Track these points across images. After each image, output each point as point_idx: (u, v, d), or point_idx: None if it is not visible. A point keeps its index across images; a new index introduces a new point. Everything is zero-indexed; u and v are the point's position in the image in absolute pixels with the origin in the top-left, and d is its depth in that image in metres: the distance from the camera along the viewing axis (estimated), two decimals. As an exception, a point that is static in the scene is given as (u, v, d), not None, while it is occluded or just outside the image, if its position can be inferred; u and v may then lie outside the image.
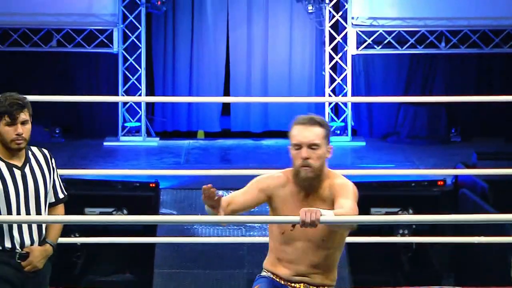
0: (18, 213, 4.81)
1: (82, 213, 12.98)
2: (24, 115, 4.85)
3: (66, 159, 15.00)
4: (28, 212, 4.84)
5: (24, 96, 4.95)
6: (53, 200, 5.01)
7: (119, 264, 13.13)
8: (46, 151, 5.04)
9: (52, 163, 5.02)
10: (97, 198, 13.15)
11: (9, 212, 4.78)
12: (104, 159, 15.67)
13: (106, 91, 16.98)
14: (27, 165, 4.88)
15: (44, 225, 4.93)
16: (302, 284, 4.76)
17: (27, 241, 4.83)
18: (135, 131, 16.97)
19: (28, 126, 4.88)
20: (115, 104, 16.83)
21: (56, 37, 16.66)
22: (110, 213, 13.06)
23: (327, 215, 4.44)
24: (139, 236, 11.05)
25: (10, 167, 4.81)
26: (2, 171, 4.79)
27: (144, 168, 14.57)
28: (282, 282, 4.78)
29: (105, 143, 16.77)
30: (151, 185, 13.15)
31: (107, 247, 12.56)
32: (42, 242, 4.92)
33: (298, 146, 4.65)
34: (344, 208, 4.57)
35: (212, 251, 11.55)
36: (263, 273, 4.88)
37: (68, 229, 12.18)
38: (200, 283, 11.37)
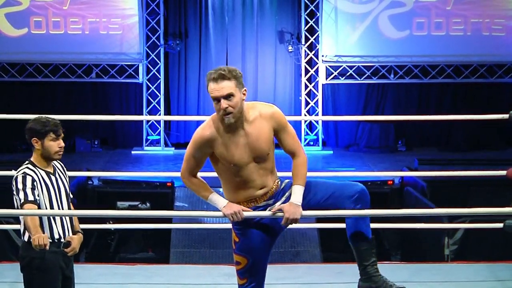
0: (58, 210, 4.74)
1: (115, 206, 12.95)
2: (62, 133, 4.77)
3: (103, 164, 15.00)
4: (63, 209, 4.76)
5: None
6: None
7: (143, 244, 13.08)
8: (61, 162, 4.92)
9: (66, 171, 4.91)
10: (126, 194, 13.13)
11: (52, 209, 4.69)
12: (132, 164, 15.64)
13: (133, 112, 16.97)
14: (56, 172, 4.78)
15: (69, 219, 4.82)
16: (262, 190, 4.36)
17: (66, 232, 4.78)
18: (156, 142, 16.95)
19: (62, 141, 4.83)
20: (141, 121, 16.83)
21: (95, 70, 16.66)
22: (136, 206, 13.02)
23: (300, 197, 4.29)
24: (159, 223, 11.04)
25: (48, 174, 4.71)
26: (44, 178, 4.68)
27: (163, 171, 14.53)
28: (249, 205, 4.37)
29: (132, 152, 16.75)
30: (168, 184, 13.13)
31: (134, 231, 12.56)
32: (74, 232, 4.84)
33: (217, 100, 4.18)
34: (300, 158, 4.35)
35: (215, 234, 11.51)
36: None
37: (104, 218, 12.18)
38: (206, 259, 11.34)
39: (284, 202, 4.36)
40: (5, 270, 6.57)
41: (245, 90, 4.24)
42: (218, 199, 4.37)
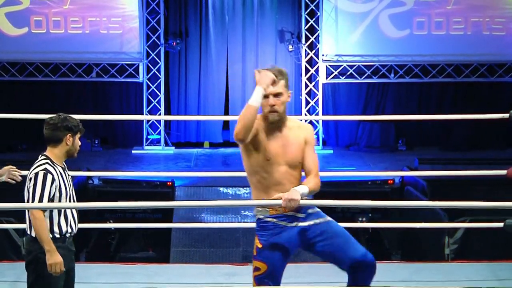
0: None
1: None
2: None
3: (103, 164, 15.00)
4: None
5: None
6: None
7: (143, 244, 13.09)
8: None
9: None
10: (127, 193, 13.12)
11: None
12: (132, 163, 15.64)
13: (134, 111, 16.97)
14: (65, 169, 4.83)
15: (76, 214, 4.87)
16: None
17: (73, 227, 4.80)
18: (156, 142, 16.95)
19: None
20: (141, 121, 16.84)
21: (95, 69, 16.66)
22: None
23: (302, 190, 4.39)
24: (159, 222, 11.05)
25: (63, 170, 4.76)
26: (62, 174, 4.71)
27: (163, 171, 14.54)
28: (275, 213, 4.48)
29: (133, 151, 16.74)
30: (168, 183, 13.13)
31: (135, 231, 12.57)
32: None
33: (266, 96, 4.46)
34: (313, 171, 4.58)
35: (215, 234, 11.51)
36: (260, 216, 4.53)
37: (105, 217, 12.19)
38: (206, 258, 11.34)
39: (316, 223, 4.49)
40: (5, 270, 6.57)
41: (290, 92, 4.52)
42: (255, 92, 4.45)
